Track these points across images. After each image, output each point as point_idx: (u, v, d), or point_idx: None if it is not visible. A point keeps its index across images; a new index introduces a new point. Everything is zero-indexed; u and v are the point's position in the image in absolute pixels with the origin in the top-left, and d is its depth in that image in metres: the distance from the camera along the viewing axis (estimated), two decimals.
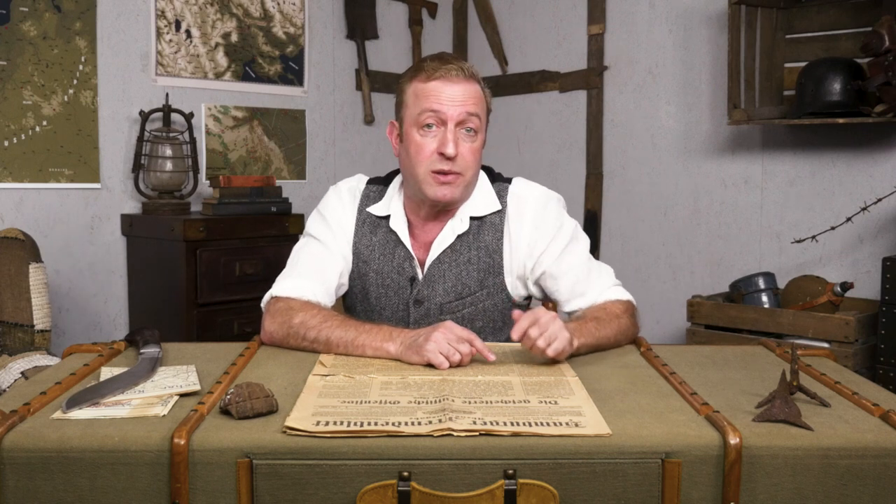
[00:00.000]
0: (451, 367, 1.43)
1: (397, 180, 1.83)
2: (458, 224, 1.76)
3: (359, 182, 1.86)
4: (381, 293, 1.78)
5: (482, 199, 1.78)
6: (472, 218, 1.77)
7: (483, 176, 1.82)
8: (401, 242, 1.77)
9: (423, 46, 4.27)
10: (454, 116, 1.66)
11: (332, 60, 3.98)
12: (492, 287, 1.77)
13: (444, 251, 1.76)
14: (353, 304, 1.85)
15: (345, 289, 1.84)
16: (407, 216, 1.79)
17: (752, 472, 1.08)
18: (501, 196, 1.79)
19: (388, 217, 1.79)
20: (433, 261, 1.76)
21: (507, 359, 1.52)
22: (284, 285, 1.70)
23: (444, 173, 1.67)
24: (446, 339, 1.45)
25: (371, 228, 1.80)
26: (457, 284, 1.76)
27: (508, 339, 1.85)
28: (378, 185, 1.85)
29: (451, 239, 1.76)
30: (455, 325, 1.48)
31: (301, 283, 1.70)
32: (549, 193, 1.82)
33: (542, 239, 1.75)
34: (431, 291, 1.76)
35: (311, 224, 1.83)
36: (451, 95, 1.66)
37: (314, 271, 1.74)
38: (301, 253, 1.79)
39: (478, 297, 1.77)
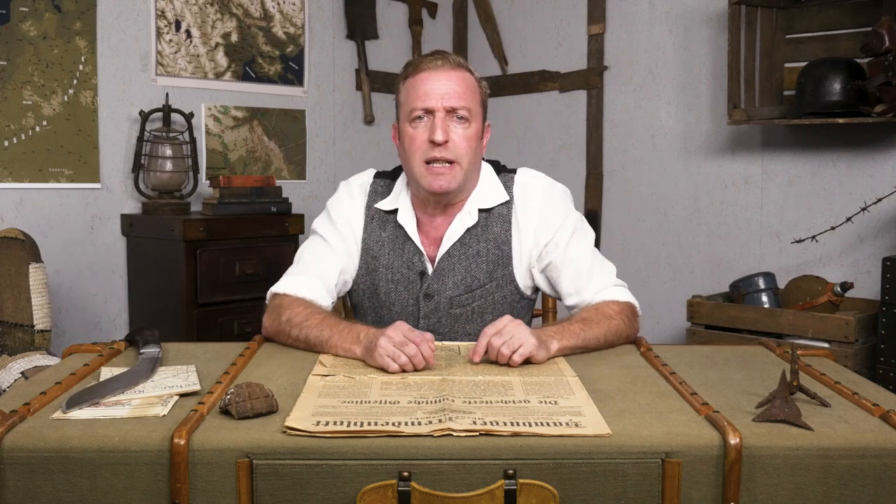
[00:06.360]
0: (402, 370, 1.40)
1: (404, 175, 1.82)
2: (466, 217, 1.76)
3: (368, 177, 1.86)
4: (390, 288, 1.77)
5: (490, 190, 1.78)
6: (480, 210, 1.77)
7: (489, 168, 1.82)
8: (409, 237, 1.77)
9: (423, 46, 4.27)
10: (440, 105, 1.66)
11: (332, 60, 3.98)
12: (501, 279, 1.76)
13: (453, 245, 1.75)
14: (360, 301, 1.84)
15: (348, 287, 1.83)
16: (416, 212, 1.79)
17: (752, 472, 1.08)
18: (508, 187, 1.79)
19: (395, 211, 1.79)
20: (443, 255, 1.75)
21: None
22: (284, 282, 1.73)
23: (437, 162, 1.67)
24: (392, 342, 1.41)
25: (380, 224, 1.80)
26: (466, 277, 1.75)
27: None
28: (385, 178, 1.85)
29: (461, 232, 1.75)
30: (405, 325, 1.45)
31: (299, 280, 1.72)
32: (555, 183, 1.82)
33: (548, 228, 1.75)
34: (441, 286, 1.75)
35: (318, 222, 1.84)
36: (436, 85, 1.67)
37: (314, 269, 1.75)
38: (305, 251, 1.81)
39: (487, 289, 1.76)
